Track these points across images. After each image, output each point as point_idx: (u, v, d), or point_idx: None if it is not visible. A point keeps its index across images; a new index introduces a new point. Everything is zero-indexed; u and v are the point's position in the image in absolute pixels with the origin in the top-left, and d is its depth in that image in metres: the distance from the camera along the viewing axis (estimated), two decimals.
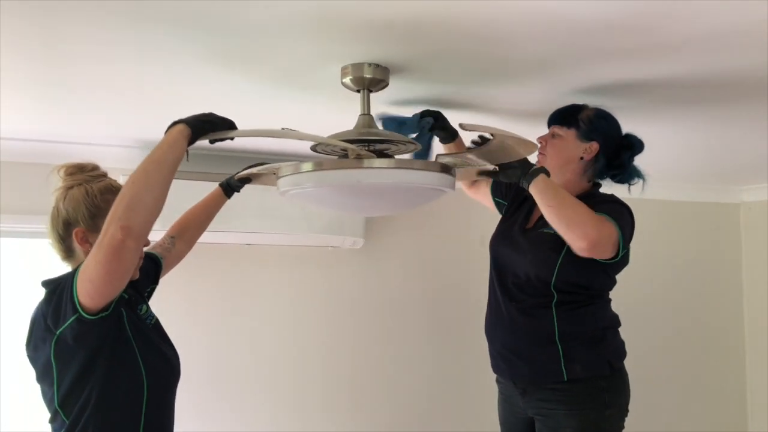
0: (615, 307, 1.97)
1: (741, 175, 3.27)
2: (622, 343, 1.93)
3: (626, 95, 1.88)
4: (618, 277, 1.95)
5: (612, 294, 1.97)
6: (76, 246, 1.45)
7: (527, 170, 1.64)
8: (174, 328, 1.61)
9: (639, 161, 1.90)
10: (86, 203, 1.45)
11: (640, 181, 1.87)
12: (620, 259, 1.75)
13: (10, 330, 2.62)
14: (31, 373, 1.44)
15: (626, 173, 1.85)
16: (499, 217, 2.13)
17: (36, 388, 1.44)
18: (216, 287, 2.85)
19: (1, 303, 2.64)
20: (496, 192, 2.13)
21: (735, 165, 3.00)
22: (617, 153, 1.83)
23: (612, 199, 1.83)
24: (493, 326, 1.99)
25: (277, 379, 2.91)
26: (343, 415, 3.00)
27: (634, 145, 1.84)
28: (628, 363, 1.94)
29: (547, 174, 1.67)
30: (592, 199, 1.78)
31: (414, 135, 1.65)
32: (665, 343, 3.53)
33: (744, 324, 3.72)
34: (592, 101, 1.90)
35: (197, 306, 2.80)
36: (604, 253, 1.68)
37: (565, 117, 1.84)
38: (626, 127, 2.18)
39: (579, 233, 1.60)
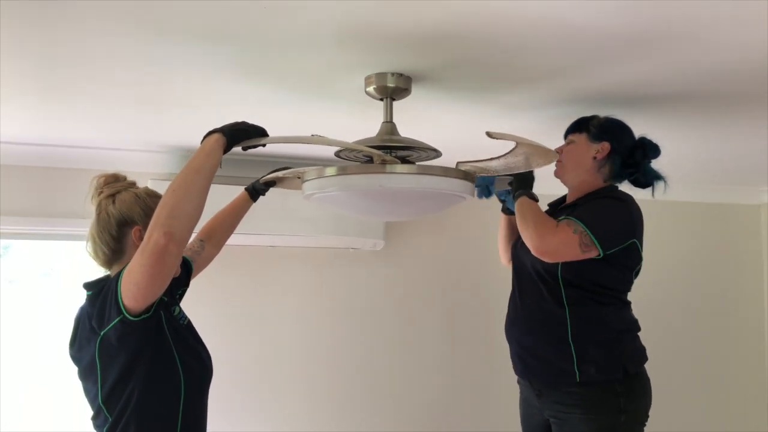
0: (634, 308, 1.98)
1: (761, 176, 3.25)
2: (641, 349, 1.94)
3: (641, 100, 1.90)
4: (638, 279, 1.94)
5: (631, 296, 1.97)
6: (129, 246, 1.50)
7: (516, 192, 1.89)
8: (197, 327, 1.65)
9: (659, 162, 1.93)
10: (139, 204, 1.52)
11: (661, 183, 1.92)
12: (620, 257, 1.80)
13: (10, 331, 2.69)
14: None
15: (642, 173, 1.91)
16: None
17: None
18: (239, 288, 2.90)
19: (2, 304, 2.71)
20: None
21: (754, 166, 2.98)
22: (631, 153, 1.90)
23: (602, 195, 1.89)
24: (511, 326, 2.02)
25: (297, 378, 2.96)
26: (362, 415, 3.03)
27: (647, 145, 1.90)
28: (649, 367, 1.93)
29: (531, 197, 1.88)
30: (591, 196, 1.89)
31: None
32: (686, 345, 3.51)
33: (765, 325, 3.69)
34: (607, 107, 1.93)
35: (221, 306, 2.85)
36: (562, 256, 1.79)
37: (577, 124, 1.94)
38: (643, 131, 2.21)
39: (528, 242, 1.80)
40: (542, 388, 1.93)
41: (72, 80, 1.75)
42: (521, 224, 1.82)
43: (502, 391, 2.32)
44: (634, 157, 1.89)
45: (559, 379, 1.87)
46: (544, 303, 1.89)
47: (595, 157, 1.89)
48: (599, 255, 1.77)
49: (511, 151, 1.57)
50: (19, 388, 2.70)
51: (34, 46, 1.50)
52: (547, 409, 1.93)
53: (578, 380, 1.83)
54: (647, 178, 1.92)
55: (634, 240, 1.83)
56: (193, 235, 1.88)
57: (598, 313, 1.87)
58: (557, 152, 1.88)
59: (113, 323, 1.35)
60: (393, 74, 1.64)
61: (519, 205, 1.85)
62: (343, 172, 1.51)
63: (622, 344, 1.89)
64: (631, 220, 1.83)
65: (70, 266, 2.82)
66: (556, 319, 1.86)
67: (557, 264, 1.84)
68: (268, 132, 1.53)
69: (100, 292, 1.41)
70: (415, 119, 2.03)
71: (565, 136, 1.97)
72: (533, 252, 1.79)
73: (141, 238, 1.46)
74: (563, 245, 1.75)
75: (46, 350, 2.69)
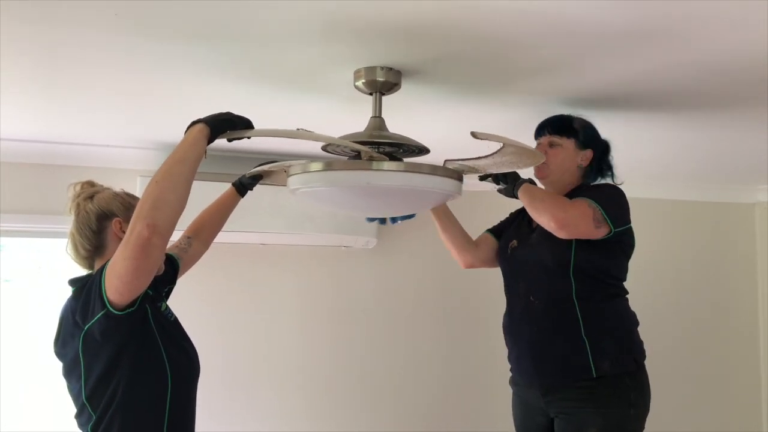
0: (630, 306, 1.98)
1: (755, 175, 3.25)
2: (642, 342, 1.96)
3: (635, 97, 1.89)
4: (632, 277, 1.97)
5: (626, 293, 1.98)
6: (110, 239, 1.49)
7: (515, 184, 1.85)
8: (188, 326, 1.64)
9: (651, 160, 1.96)
10: (117, 199, 1.53)
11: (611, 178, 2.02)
12: (624, 237, 1.86)
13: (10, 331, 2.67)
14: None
15: (609, 173, 2.00)
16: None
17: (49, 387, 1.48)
18: (230, 286, 2.89)
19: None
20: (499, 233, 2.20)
21: (749, 165, 2.98)
22: (603, 157, 1.99)
23: (597, 184, 1.97)
24: (516, 327, 1.98)
25: (289, 377, 2.94)
26: (355, 413, 3.02)
27: (609, 147, 2.00)
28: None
29: (531, 182, 1.87)
30: (580, 189, 1.93)
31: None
32: (679, 343, 3.51)
33: (759, 324, 3.69)
34: (600, 104, 1.92)
35: (212, 305, 2.84)
36: (580, 229, 1.79)
37: (562, 127, 1.93)
38: (637, 129, 2.19)
39: (548, 216, 1.78)
40: (551, 386, 1.90)
41: (67, 78, 1.74)
42: (535, 205, 1.81)
43: (497, 388, 2.30)
44: (606, 161, 1.98)
45: (574, 375, 1.86)
46: (554, 300, 1.88)
47: (580, 165, 1.94)
48: (609, 233, 1.80)
49: (499, 150, 1.55)
50: (16, 388, 2.69)
51: (30, 46, 1.49)
52: (553, 407, 1.90)
53: (594, 375, 1.83)
54: (610, 177, 2.01)
55: (631, 225, 1.89)
56: (181, 232, 1.87)
57: (608, 307, 1.90)
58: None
59: (97, 317, 1.34)
60: (383, 68, 1.62)
61: (527, 190, 1.83)
62: (328, 167, 1.49)
63: (632, 336, 1.92)
64: (628, 205, 1.89)
65: (65, 264, 2.80)
66: (568, 315, 1.86)
67: (571, 254, 1.84)
68: (256, 126, 1.50)
69: (84, 287, 1.39)
70: (404, 115, 2.01)
71: (541, 133, 1.95)
72: (553, 224, 1.77)
73: (122, 231, 1.46)
74: (581, 218, 1.77)
75: (42, 349, 2.67)
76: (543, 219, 1.80)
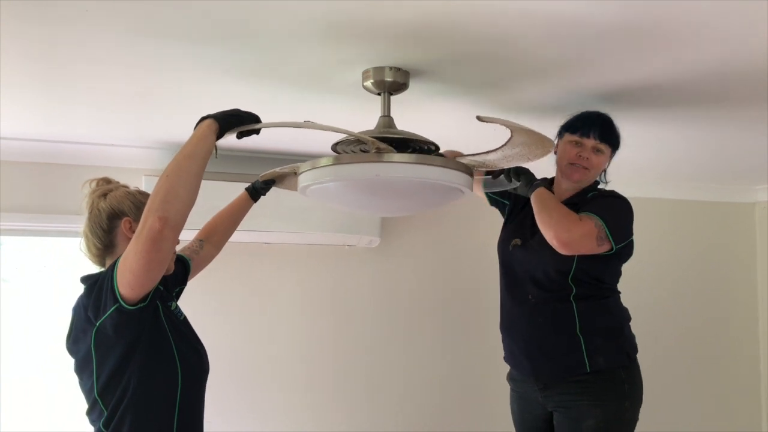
0: (629, 305, 2.02)
1: (755, 174, 3.26)
2: (634, 337, 2.00)
3: (638, 96, 1.91)
4: (633, 276, 2.00)
5: (626, 293, 2.02)
6: (120, 239, 1.50)
7: (530, 185, 1.85)
8: (193, 325, 1.64)
9: (652, 160, 1.96)
10: (129, 198, 1.53)
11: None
12: (623, 250, 1.87)
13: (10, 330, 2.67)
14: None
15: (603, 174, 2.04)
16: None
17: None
18: (234, 285, 2.89)
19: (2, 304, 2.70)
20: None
21: (749, 164, 2.99)
22: None
23: (606, 194, 1.96)
24: (513, 324, 2.01)
25: (292, 375, 2.95)
26: (357, 412, 3.03)
27: None
28: (643, 361, 1.98)
29: (546, 186, 1.86)
30: (588, 193, 1.95)
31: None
32: (679, 342, 3.53)
33: (758, 323, 3.71)
34: (604, 103, 1.93)
35: (215, 303, 2.84)
36: (583, 249, 1.80)
37: (609, 136, 1.90)
38: (639, 128, 2.20)
39: (552, 233, 1.78)
40: (548, 381, 1.94)
41: (70, 78, 1.75)
42: (543, 215, 1.80)
43: (499, 386, 2.32)
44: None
45: (569, 371, 1.90)
46: (551, 301, 1.91)
47: (605, 169, 1.98)
48: (611, 249, 1.81)
49: (507, 142, 1.55)
50: (16, 388, 2.68)
51: (32, 45, 1.50)
52: (551, 401, 1.94)
53: (588, 370, 1.87)
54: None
55: (632, 237, 1.90)
56: (193, 234, 1.88)
57: (603, 305, 1.93)
58: (582, 155, 1.89)
59: (109, 312, 1.34)
60: (391, 68, 1.63)
61: (539, 196, 1.82)
62: (338, 161, 1.49)
63: (624, 332, 1.96)
64: (632, 217, 1.90)
65: (65, 263, 2.81)
66: (564, 314, 1.90)
67: (572, 265, 1.86)
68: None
69: (96, 283, 1.40)
70: (413, 114, 2.02)
71: (588, 132, 1.87)
72: (555, 242, 1.77)
73: (131, 230, 1.47)
74: (585, 238, 1.78)
75: (41, 349, 2.68)
76: (547, 234, 1.79)
